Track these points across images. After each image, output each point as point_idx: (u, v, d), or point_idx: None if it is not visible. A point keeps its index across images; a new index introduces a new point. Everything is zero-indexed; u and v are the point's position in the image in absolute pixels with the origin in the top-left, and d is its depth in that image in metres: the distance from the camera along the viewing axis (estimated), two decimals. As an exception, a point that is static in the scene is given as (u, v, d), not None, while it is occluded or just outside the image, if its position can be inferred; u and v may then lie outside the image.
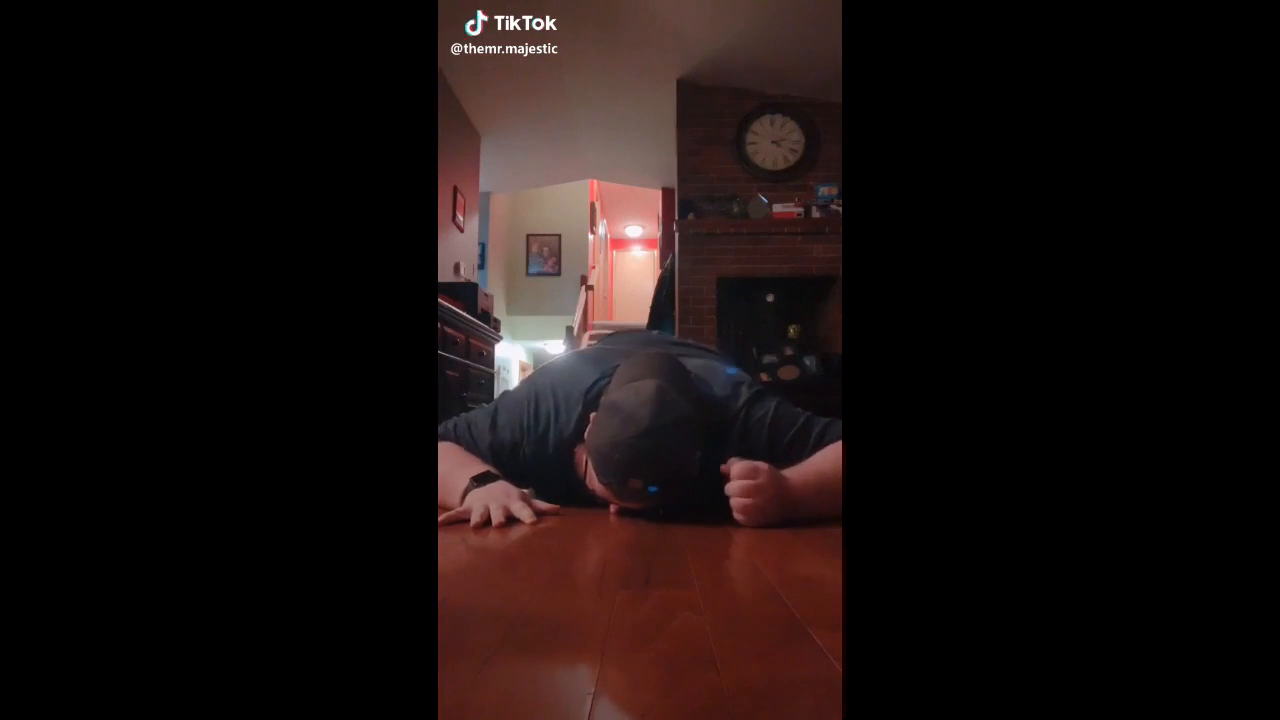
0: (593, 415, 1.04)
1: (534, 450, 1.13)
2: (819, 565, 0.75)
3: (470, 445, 1.14)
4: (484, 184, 4.89)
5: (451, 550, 0.80)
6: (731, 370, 1.22)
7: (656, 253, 7.37)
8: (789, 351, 3.73)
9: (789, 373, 3.63)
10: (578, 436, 1.10)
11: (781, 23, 3.20)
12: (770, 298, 3.87)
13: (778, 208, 3.67)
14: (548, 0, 3.14)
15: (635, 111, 4.19)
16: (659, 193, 5.65)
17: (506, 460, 1.13)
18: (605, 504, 1.08)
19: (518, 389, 1.24)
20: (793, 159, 3.79)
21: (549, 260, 7.20)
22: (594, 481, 1.03)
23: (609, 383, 1.09)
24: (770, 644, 0.48)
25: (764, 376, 3.47)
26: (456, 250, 4.18)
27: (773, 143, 3.81)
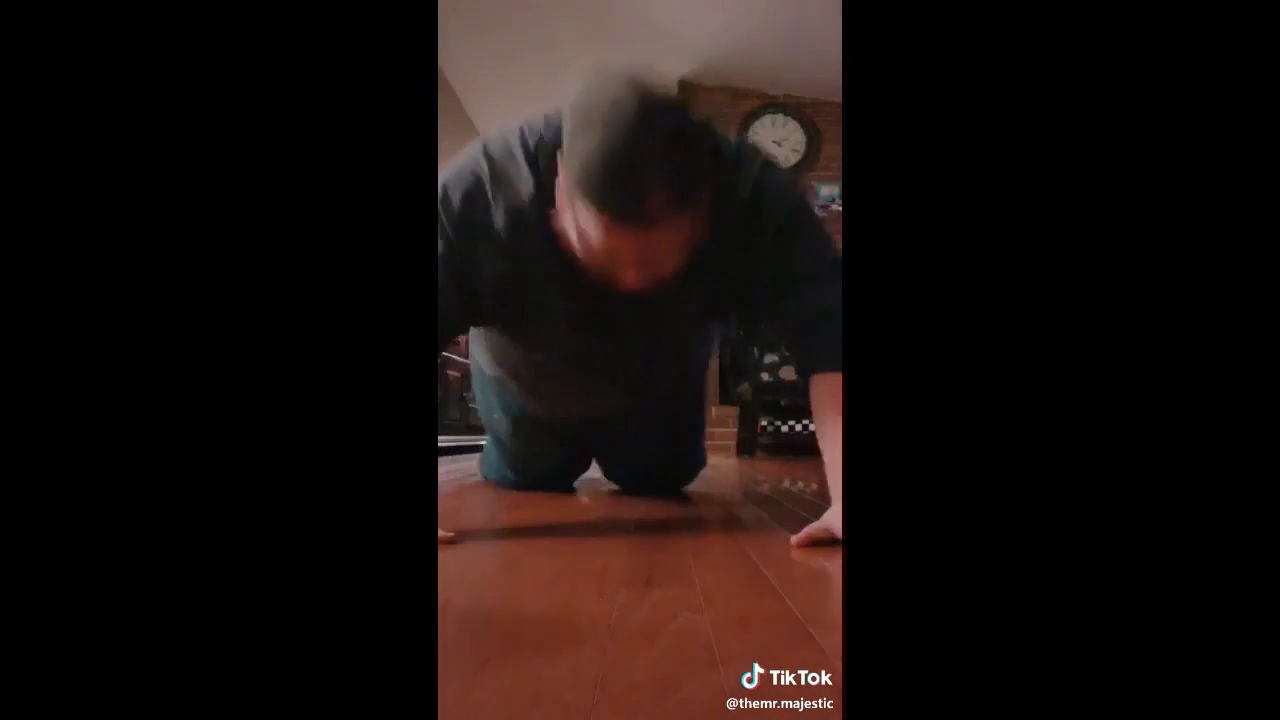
0: (558, 153, 0.79)
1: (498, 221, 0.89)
2: (819, 565, 0.75)
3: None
4: (485, 184, 4.88)
5: (452, 549, 0.80)
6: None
7: (657, 253, 7.31)
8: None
9: (790, 373, 3.63)
10: (543, 190, 0.86)
11: (782, 23, 3.20)
12: (771, 297, 3.86)
13: (778, 208, 3.66)
14: (548, 0, 3.15)
15: (636, 111, 4.18)
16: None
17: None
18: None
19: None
20: (794, 159, 3.79)
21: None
22: (591, 232, 0.75)
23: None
24: (770, 644, 0.48)
25: (765, 376, 3.48)
26: (457, 250, 4.17)
27: (774, 143, 3.80)
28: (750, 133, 3.81)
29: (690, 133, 0.74)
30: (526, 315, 1.00)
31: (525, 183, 0.88)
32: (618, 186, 0.70)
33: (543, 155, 0.88)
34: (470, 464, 2.02)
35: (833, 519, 0.85)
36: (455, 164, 0.95)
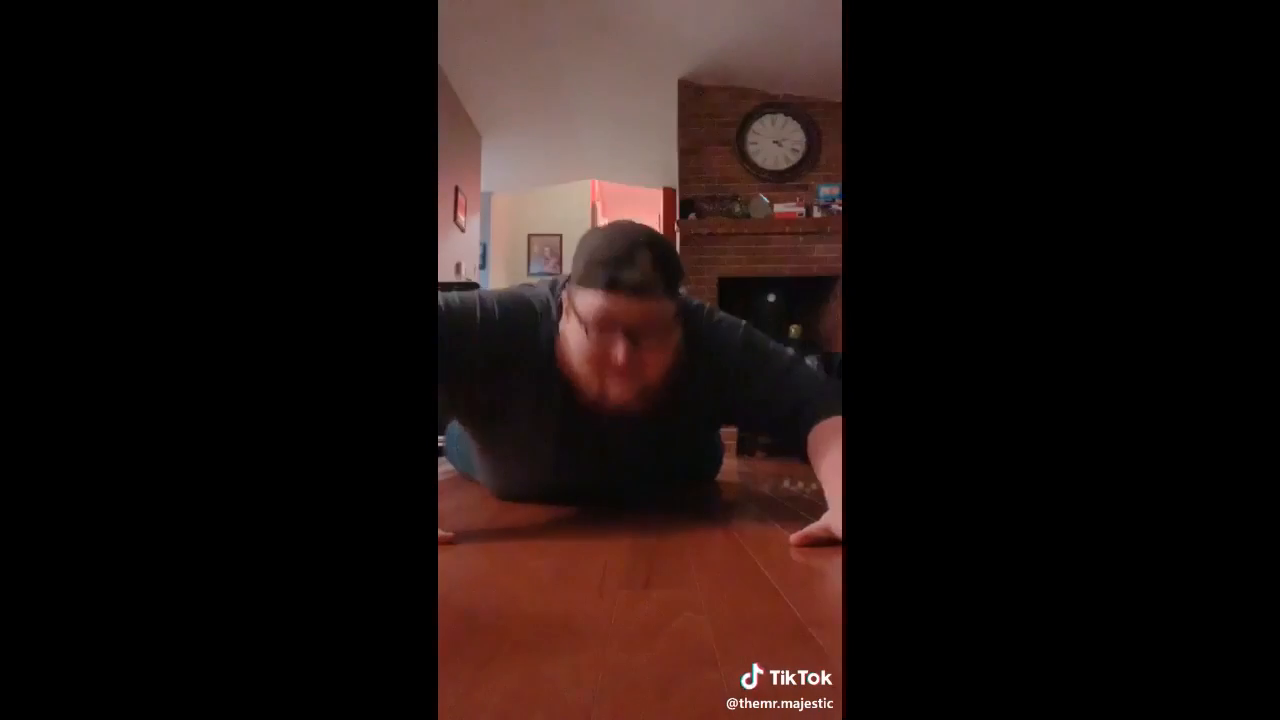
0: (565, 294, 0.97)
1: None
2: (819, 565, 0.75)
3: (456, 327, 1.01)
4: (485, 184, 4.89)
5: (452, 550, 0.80)
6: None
7: (657, 253, 7.32)
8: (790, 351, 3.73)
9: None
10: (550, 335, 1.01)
11: (782, 23, 3.20)
12: (771, 298, 3.87)
13: (779, 208, 3.67)
14: (548, 0, 3.15)
15: (636, 111, 4.19)
16: (660, 193, 5.64)
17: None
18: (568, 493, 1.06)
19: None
20: (794, 159, 3.79)
21: (550, 260, 7.19)
22: (590, 305, 0.91)
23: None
24: (771, 644, 0.48)
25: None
26: (458, 250, 4.18)
27: (774, 143, 3.80)
28: (750, 132, 3.81)
29: (667, 242, 0.96)
30: (510, 419, 1.09)
31: (551, 316, 1.04)
32: (615, 256, 0.90)
33: (554, 300, 1.05)
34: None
35: (832, 519, 0.88)
36: (513, 292, 1.09)
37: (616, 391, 0.95)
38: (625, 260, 0.90)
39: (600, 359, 0.93)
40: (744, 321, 1.14)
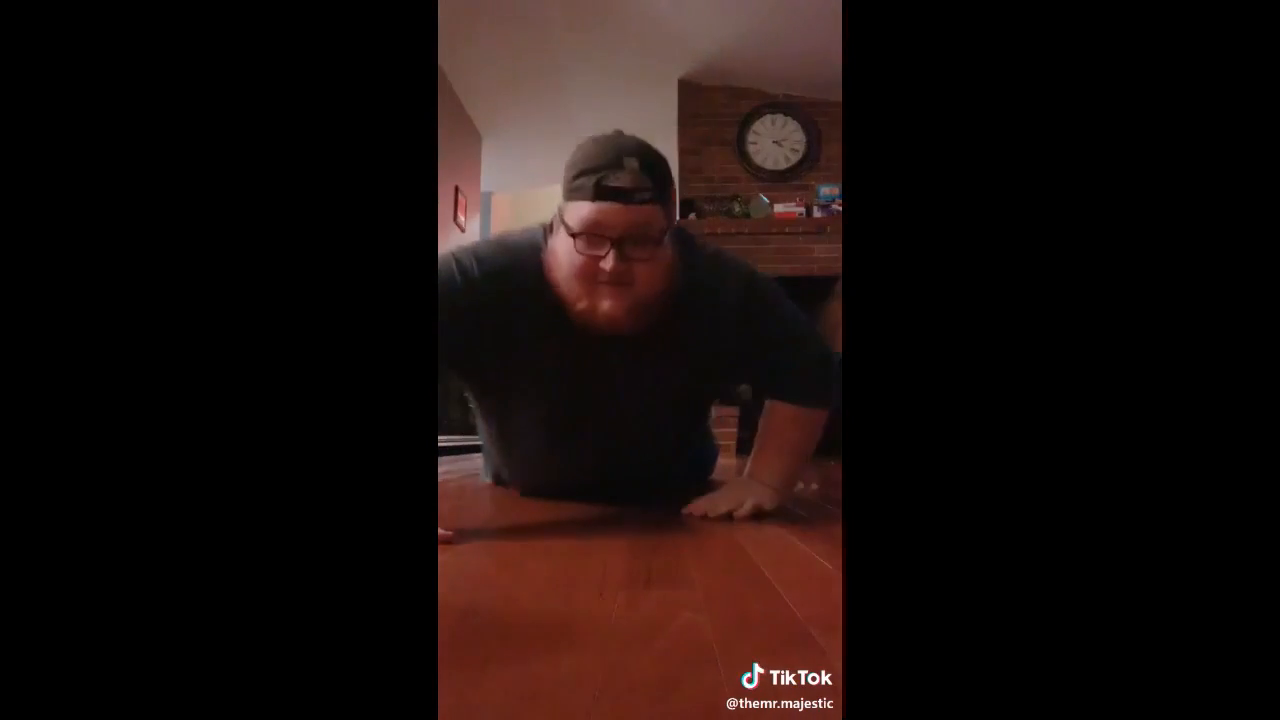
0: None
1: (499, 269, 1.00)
2: (819, 565, 0.75)
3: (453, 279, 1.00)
4: (485, 184, 4.89)
5: (452, 550, 0.80)
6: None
7: (657, 253, 7.32)
8: (790, 351, 3.72)
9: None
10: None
11: (782, 23, 3.20)
12: (771, 298, 3.86)
13: (779, 208, 3.67)
14: (548, 1, 3.15)
15: (636, 111, 4.19)
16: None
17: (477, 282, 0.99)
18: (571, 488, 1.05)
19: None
20: (794, 159, 3.79)
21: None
22: (579, 215, 0.90)
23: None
24: (771, 644, 0.48)
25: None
26: (458, 250, 4.18)
27: (774, 143, 3.81)
28: (750, 132, 3.81)
29: (657, 152, 0.94)
30: (512, 371, 1.07)
31: (534, 257, 1.00)
32: (603, 161, 0.89)
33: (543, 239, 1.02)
34: (470, 464, 2.02)
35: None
36: (517, 235, 1.07)
37: (607, 306, 0.93)
38: (612, 167, 0.89)
39: (588, 270, 0.91)
40: (752, 267, 1.09)
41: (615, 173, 0.88)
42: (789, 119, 3.80)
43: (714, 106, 3.83)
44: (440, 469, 1.88)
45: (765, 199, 3.69)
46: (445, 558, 0.75)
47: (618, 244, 0.89)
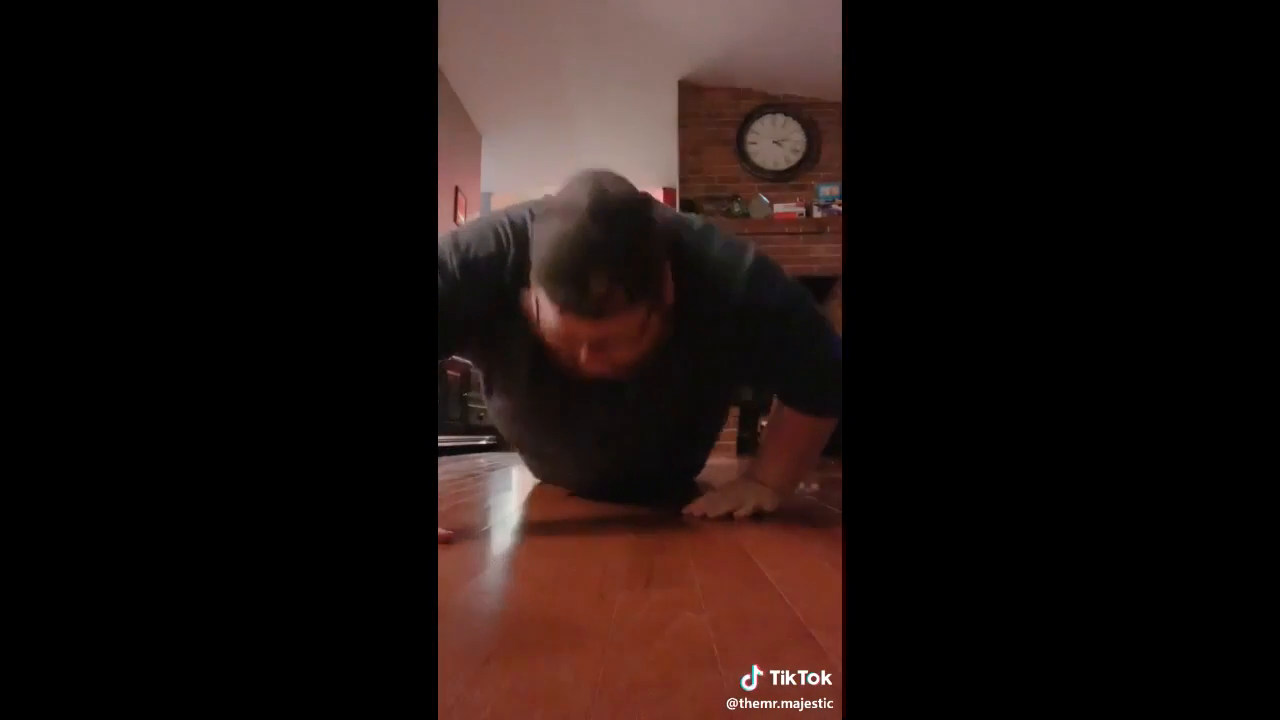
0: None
1: (488, 287, 0.92)
2: (819, 565, 0.75)
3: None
4: (485, 184, 4.89)
5: (453, 550, 0.80)
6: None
7: (657, 253, 7.32)
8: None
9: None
10: (522, 272, 0.88)
11: (782, 23, 3.20)
12: (771, 298, 3.86)
13: (779, 208, 3.67)
14: (549, 1, 3.15)
15: (636, 111, 4.19)
16: (660, 192, 5.65)
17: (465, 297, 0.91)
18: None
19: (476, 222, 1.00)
20: (794, 159, 3.79)
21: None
22: (548, 317, 0.81)
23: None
24: (771, 644, 0.48)
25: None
26: (457, 250, 4.17)
27: (774, 143, 3.81)
28: (750, 132, 3.81)
29: (644, 231, 0.80)
30: (511, 375, 1.02)
31: (521, 254, 0.90)
32: (565, 278, 0.76)
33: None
34: (470, 464, 2.02)
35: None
36: (480, 220, 0.98)
37: (586, 367, 0.86)
38: (576, 281, 0.75)
39: (566, 351, 0.85)
40: (752, 249, 0.96)
41: (580, 290, 0.75)
42: (789, 119, 3.80)
43: (714, 106, 3.83)
44: (440, 469, 1.88)
45: (765, 199, 3.69)
46: (445, 558, 0.75)
47: (592, 345, 0.81)
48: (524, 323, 0.88)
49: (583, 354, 0.82)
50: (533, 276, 0.81)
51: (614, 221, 0.77)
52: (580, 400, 0.99)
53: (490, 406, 1.20)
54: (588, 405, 1.01)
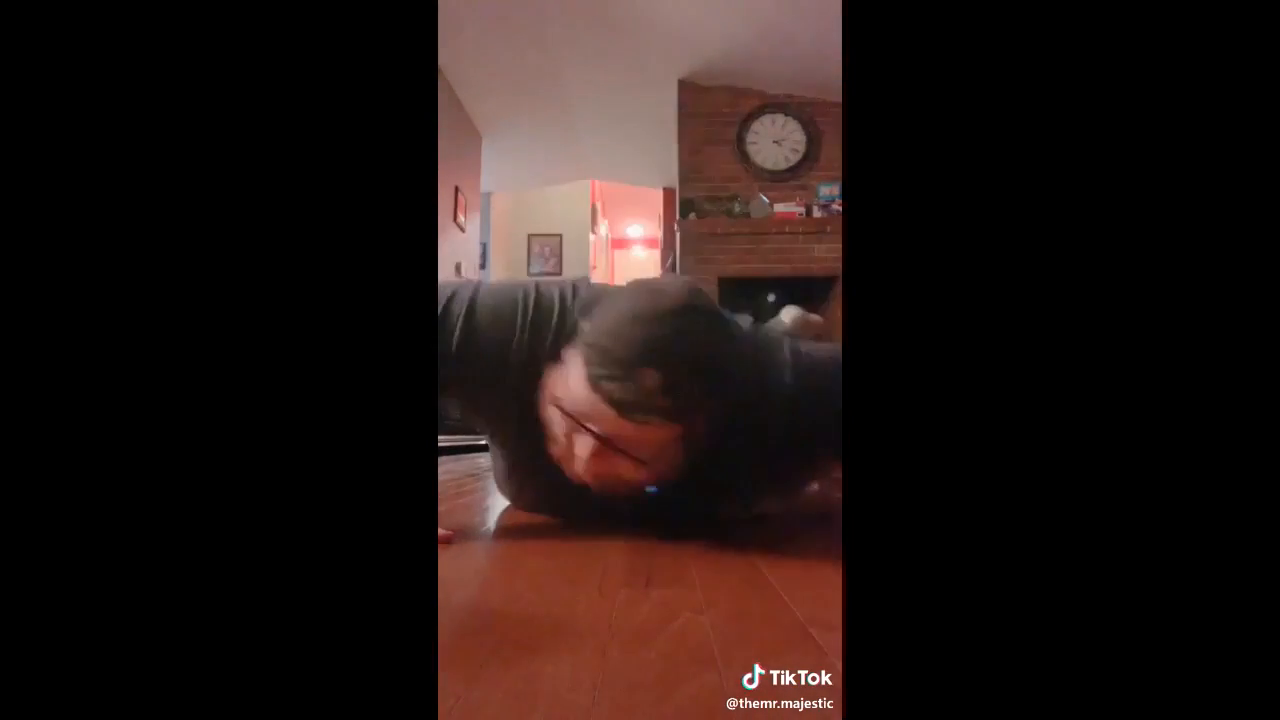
0: (582, 325, 0.75)
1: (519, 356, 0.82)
2: (819, 565, 0.75)
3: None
4: (485, 184, 4.90)
5: (452, 550, 0.80)
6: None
7: (658, 252, 7.37)
8: (790, 351, 3.72)
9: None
10: (554, 352, 0.79)
11: (782, 23, 3.20)
12: (771, 297, 3.87)
13: (779, 207, 3.67)
14: (548, 0, 3.15)
15: (636, 111, 4.20)
16: (660, 192, 5.65)
17: (469, 367, 0.83)
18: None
19: (506, 285, 0.91)
20: (794, 159, 3.79)
21: (550, 260, 7.20)
22: (575, 385, 0.71)
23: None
24: (771, 644, 0.48)
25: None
26: (458, 250, 4.18)
27: (774, 142, 3.81)
28: (750, 132, 3.81)
29: (698, 348, 0.70)
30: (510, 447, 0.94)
31: (550, 329, 0.82)
32: (611, 361, 0.68)
33: (572, 312, 0.83)
34: (470, 464, 2.02)
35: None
36: (504, 285, 0.90)
37: (586, 477, 0.76)
38: (621, 368, 0.68)
39: (562, 450, 0.76)
40: (786, 341, 0.87)
41: (621, 378, 0.67)
42: (789, 119, 3.81)
43: (714, 106, 3.83)
44: (440, 469, 1.88)
45: (765, 199, 3.69)
46: (445, 558, 0.75)
47: (604, 441, 0.72)
48: (525, 403, 0.80)
49: (581, 451, 0.73)
50: (581, 335, 0.73)
51: (698, 326, 0.71)
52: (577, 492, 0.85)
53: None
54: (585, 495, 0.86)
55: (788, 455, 0.87)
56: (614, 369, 0.68)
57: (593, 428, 0.71)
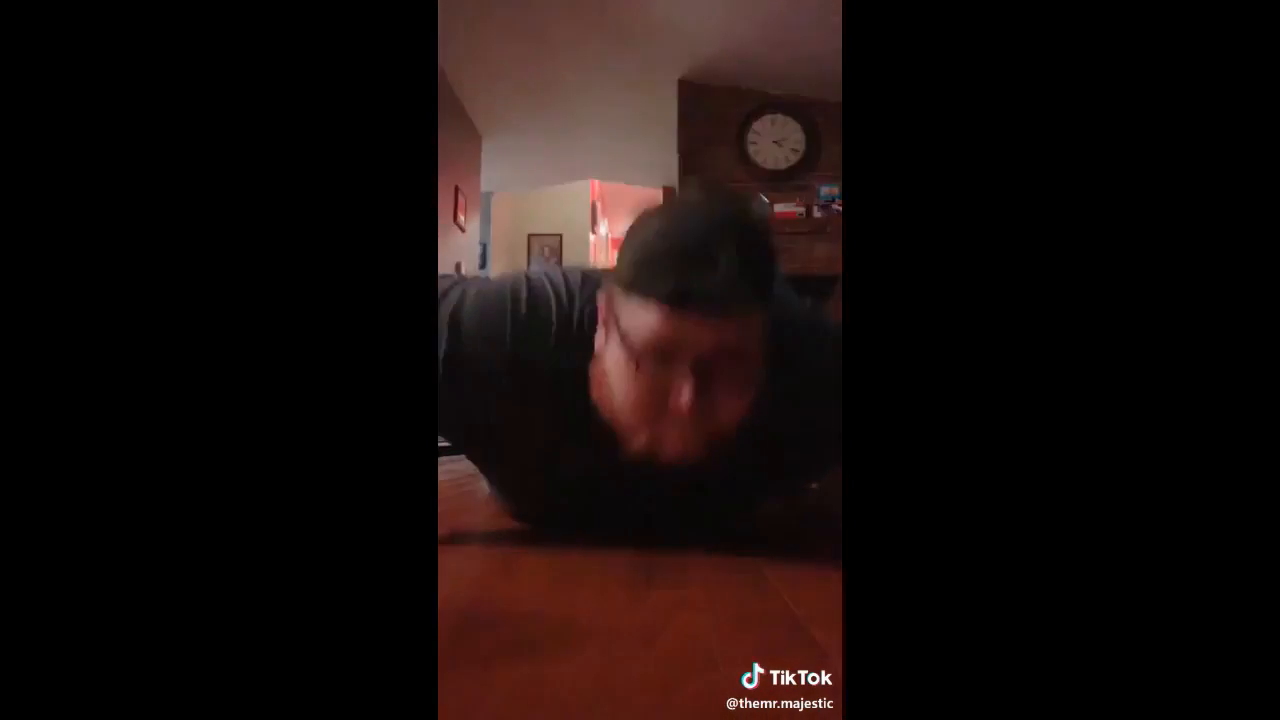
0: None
1: (518, 349, 0.75)
2: (819, 565, 0.75)
3: None
4: (485, 184, 4.89)
5: (452, 550, 0.80)
6: None
7: (658, 253, 7.32)
8: (790, 351, 3.71)
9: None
10: (585, 333, 0.73)
11: (782, 23, 3.20)
12: (771, 297, 3.86)
13: (779, 208, 3.67)
14: (548, 0, 3.14)
15: (636, 111, 4.19)
16: (660, 192, 5.64)
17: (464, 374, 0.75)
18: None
19: (489, 283, 0.83)
20: (794, 159, 3.79)
21: (551, 260, 7.19)
22: (642, 327, 0.62)
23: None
24: (771, 644, 0.48)
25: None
26: (458, 250, 4.18)
27: (774, 143, 3.80)
28: (750, 132, 3.81)
29: (761, 223, 0.66)
30: (527, 471, 0.85)
31: (560, 321, 0.75)
32: (683, 258, 0.61)
33: (583, 294, 0.76)
34: (470, 464, 2.01)
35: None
36: (490, 285, 0.82)
37: (674, 446, 0.67)
38: (700, 259, 0.60)
39: (653, 402, 0.65)
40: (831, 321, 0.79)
41: (704, 271, 0.60)
42: (789, 119, 3.80)
43: (714, 106, 3.83)
44: (440, 469, 1.88)
45: (765, 199, 3.69)
46: (445, 558, 0.75)
47: (699, 371, 0.62)
48: (583, 400, 0.73)
49: (685, 394, 0.62)
50: (622, 278, 0.65)
51: (740, 209, 0.66)
52: (636, 485, 0.76)
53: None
54: (644, 491, 0.78)
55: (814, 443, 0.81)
56: (685, 261, 0.61)
57: (687, 357, 0.62)
